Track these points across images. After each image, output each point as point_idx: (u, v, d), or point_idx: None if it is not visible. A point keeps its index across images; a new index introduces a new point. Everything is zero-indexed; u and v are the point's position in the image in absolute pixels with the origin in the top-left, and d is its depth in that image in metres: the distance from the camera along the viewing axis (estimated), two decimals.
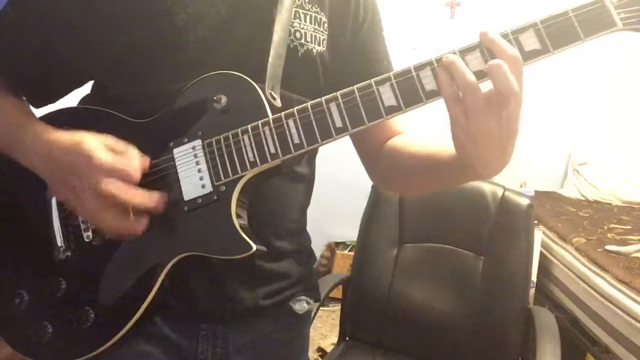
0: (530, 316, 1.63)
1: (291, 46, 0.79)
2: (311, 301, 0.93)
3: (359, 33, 0.87)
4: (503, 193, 1.77)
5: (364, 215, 1.85)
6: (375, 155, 0.91)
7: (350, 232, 2.81)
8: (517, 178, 2.97)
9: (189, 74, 0.74)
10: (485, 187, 1.81)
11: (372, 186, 1.85)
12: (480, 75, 0.62)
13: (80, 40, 0.76)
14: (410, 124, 0.91)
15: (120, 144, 0.72)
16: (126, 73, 0.76)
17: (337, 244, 3.34)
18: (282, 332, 0.90)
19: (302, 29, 0.81)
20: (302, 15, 0.81)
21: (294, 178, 0.86)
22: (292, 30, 0.79)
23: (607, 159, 3.19)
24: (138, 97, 0.77)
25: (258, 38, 0.77)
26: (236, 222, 0.72)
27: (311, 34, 0.81)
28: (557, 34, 0.63)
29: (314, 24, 0.82)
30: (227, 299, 0.81)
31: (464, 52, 0.64)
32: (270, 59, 0.76)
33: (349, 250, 3.25)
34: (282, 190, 0.84)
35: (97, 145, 0.70)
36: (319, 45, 0.82)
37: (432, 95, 0.66)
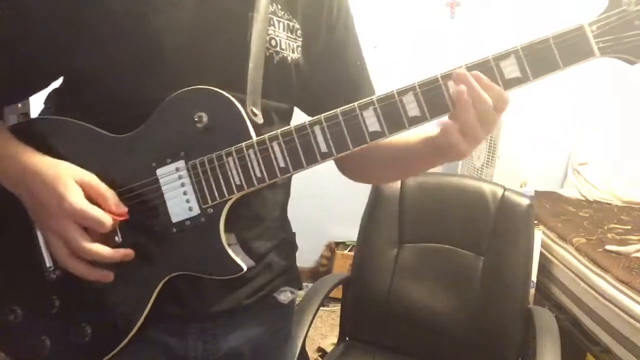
0: (530, 316, 1.63)
1: (267, 54, 0.78)
2: (295, 290, 0.94)
3: (332, 34, 0.87)
4: (503, 193, 1.77)
5: (364, 215, 1.85)
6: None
7: (350, 232, 2.81)
8: (517, 178, 2.97)
9: (167, 83, 0.72)
10: (485, 187, 1.81)
11: (372, 186, 1.85)
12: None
13: (53, 41, 0.73)
14: None
15: (99, 188, 0.70)
16: (102, 80, 0.74)
17: (337, 244, 3.34)
18: (269, 323, 0.91)
19: (277, 36, 0.80)
20: (276, 23, 0.80)
21: (275, 184, 0.85)
22: (268, 38, 0.78)
23: (607, 159, 3.18)
24: (114, 107, 0.74)
25: (236, 47, 0.75)
26: (225, 243, 0.73)
27: (285, 42, 0.81)
28: (537, 62, 0.64)
29: (287, 32, 0.81)
30: (211, 302, 0.81)
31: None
32: (250, 72, 0.75)
33: (349, 250, 3.24)
34: (263, 195, 0.83)
35: (73, 184, 0.68)
36: (293, 52, 0.82)
37: (416, 121, 0.67)
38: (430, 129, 0.74)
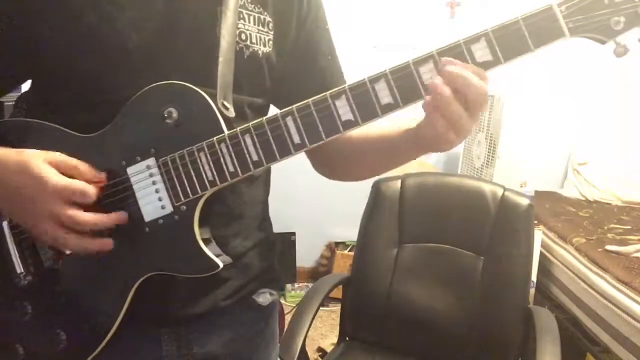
0: (530, 316, 1.63)
1: (237, 48, 0.76)
2: (274, 292, 0.92)
3: (302, 27, 0.85)
4: (503, 193, 1.77)
5: (363, 215, 1.85)
6: (321, 146, 0.91)
7: (350, 232, 2.81)
8: (517, 178, 2.97)
9: (135, 80, 0.71)
10: (485, 187, 1.81)
11: (372, 186, 1.85)
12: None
13: (19, 42, 0.72)
14: None
15: (69, 161, 0.69)
16: (69, 80, 0.73)
17: (337, 244, 3.34)
18: (248, 326, 0.88)
19: (247, 30, 0.78)
20: (245, 16, 0.78)
21: (252, 179, 0.84)
22: (238, 32, 0.77)
23: (607, 159, 3.19)
24: (83, 106, 0.73)
25: (205, 42, 0.74)
26: (200, 240, 0.71)
27: (256, 35, 0.79)
28: (508, 45, 0.63)
29: (258, 25, 0.80)
30: (187, 303, 0.79)
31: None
32: (220, 67, 0.73)
33: (349, 250, 3.24)
34: (239, 191, 0.82)
35: (45, 166, 0.67)
36: (264, 46, 0.80)
37: (389, 109, 0.66)
38: (409, 120, 0.73)
